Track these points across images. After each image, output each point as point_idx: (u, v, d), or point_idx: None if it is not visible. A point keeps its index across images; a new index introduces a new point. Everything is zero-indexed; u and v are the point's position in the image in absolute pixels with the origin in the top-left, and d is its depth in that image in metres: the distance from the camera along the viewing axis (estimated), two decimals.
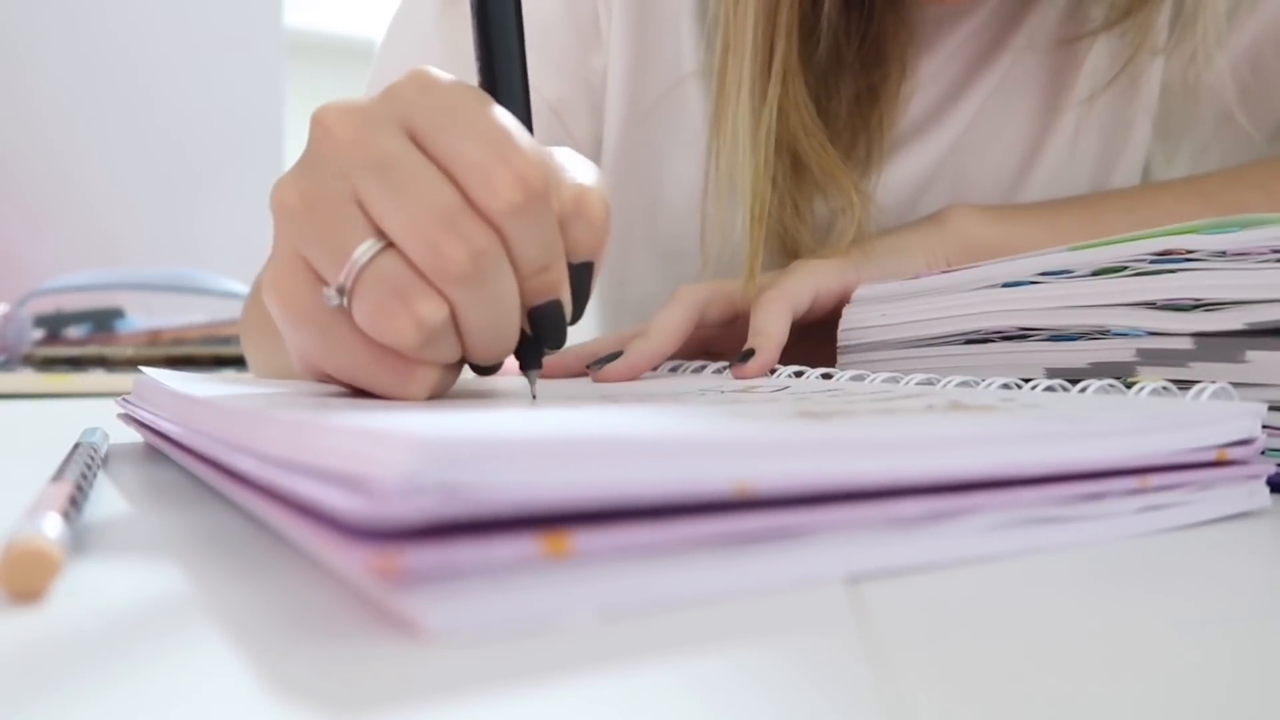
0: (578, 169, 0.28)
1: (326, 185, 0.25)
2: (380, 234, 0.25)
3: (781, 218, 0.51)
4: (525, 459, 0.15)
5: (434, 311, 0.25)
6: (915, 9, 0.52)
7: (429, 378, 0.27)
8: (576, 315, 0.28)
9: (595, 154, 0.58)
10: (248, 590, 0.17)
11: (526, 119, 0.29)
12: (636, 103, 0.55)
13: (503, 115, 0.25)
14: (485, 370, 0.29)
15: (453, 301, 0.25)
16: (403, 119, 0.25)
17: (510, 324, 0.27)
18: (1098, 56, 0.54)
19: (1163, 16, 0.52)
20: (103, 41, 1.44)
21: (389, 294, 0.25)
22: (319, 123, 0.26)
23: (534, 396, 0.29)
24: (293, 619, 0.16)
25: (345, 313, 0.26)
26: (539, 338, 0.28)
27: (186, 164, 1.53)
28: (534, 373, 0.30)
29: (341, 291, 0.25)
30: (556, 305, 0.27)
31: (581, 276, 0.28)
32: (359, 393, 0.29)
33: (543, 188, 0.25)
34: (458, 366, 0.29)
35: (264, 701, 0.12)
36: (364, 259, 0.25)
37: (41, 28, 1.40)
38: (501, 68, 0.29)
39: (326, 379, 0.29)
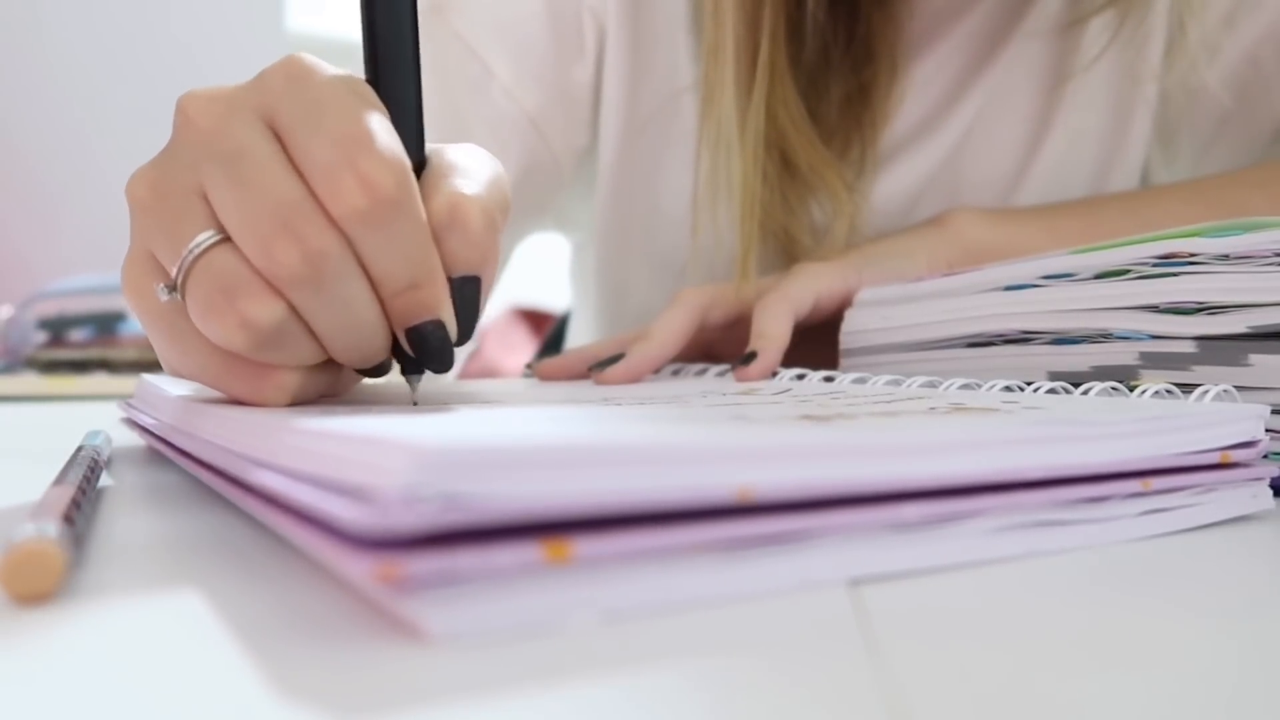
0: (466, 176, 0.26)
1: (176, 176, 0.24)
2: (221, 229, 0.24)
3: (777, 216, 0.51)
4: (526, 467, 0.15)
5: (263, 312, 0.23)
6: (903, 8, 0.52)
7: (287, 382, 0.25)
8: (465, 334, 0.26)
9: (576, 166, 0.58)
10: (251, 593, 0.17)
11: (414, 118, 0.26)
12: (633, 115, 0.55)
13: (368, 114, 0.24)
14: (367, 374, 0.27)
15: (294, 304, 0.24)
16: (265, 109, 0.24)
17: (367, 330, 0.25)
18: (1094, 42, 0.54)
19: (1161, 2, 0.52)
20: (107, 46, 1.44)
21: (217, 291, 0.23)
22: (181, 110, 0.25)
23: (415, 403, 0.27)
24: (297, 622, 0.16)
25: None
26: (420, 360, 0.26)
27: None
28: (414, 378, 0.27)
29: (174, 288, 0.24)
30: (436, 326, 0.25)
31: (468, 292, 0.26)
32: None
33: (395, 196, 0.23)
34: (332, 368, 0.27)
35: (269, 704, 0.12)
36: (196, 252, 0.23)
37: (44, 30, 1.40)
38: (386, 63, 0.26)
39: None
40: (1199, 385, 0.27)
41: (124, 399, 0.39)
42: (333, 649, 0.14)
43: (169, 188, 0.24)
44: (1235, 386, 0.27)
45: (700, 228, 0.53)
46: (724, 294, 0.47)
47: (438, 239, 0.25)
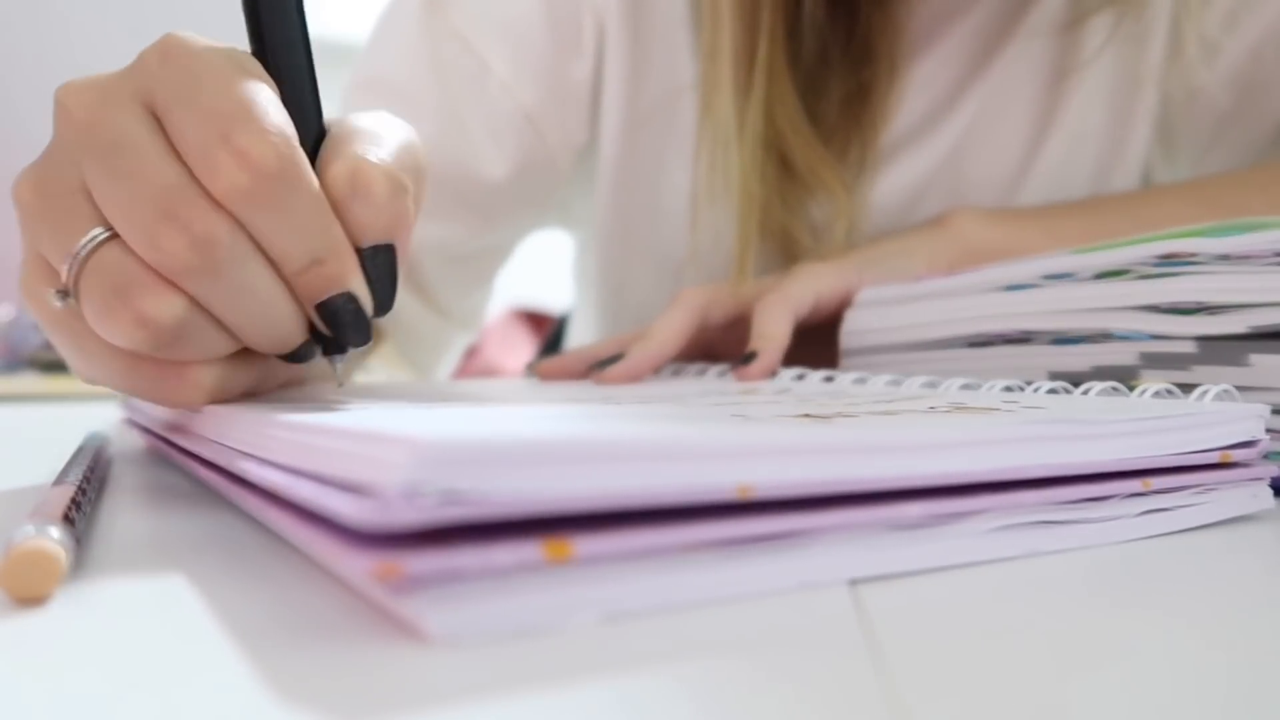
0: (370, 141, 0.24)
1: (58, 174, 0.23)
2: (109, 225, 0.22)
3: (776, 216, 0.51)
4: (526, 463, 0.15)
5: (160, 308, 0.22)
6: (903, 8, 0.52)
7: (202, 379, 0.24)
8: (383, 305, 0.25)
9: (574, 163, 0.58)
10: (251, 594, 0.17)
11: (306, 88, 0.25)
12: (633, 111, 0.55)
13: (246, 86, 0.22)
14: (290, 358, 0.26)
15: (193, 294, 0.22)
16: (143, 92, 0.23)
17: (275, 313, 0.24)
18: (1094, 41, 0.54)
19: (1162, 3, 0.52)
20: (106, 47, 1.44)
21: (109, 290, 0.22)
22: (59, 104, 0.23)
23: (340, 384, 0.26)
24: (296, 622, 0.16)
25: None
26: (335, 336, 0.24)
27: None
28: (338, 359, 0.26)
29: (66, 292, 0.23)
30: (347, 299, 0.24)
31: (381, 261, 0.24)
32: None
33: (277, 168, 0.22)
34: (253, 358, 0.26)
35: (268, 705, 0.12)
36: (84, 252, 0.22)
37: (44, 30, 1.40)
38: (271, 32, 0.25)
39: None
40: (1199, 385, 0.27)
41: (124, 399, 0.39)
42: (332, 649, 0.14)
43: (52, 187, 0.23)
44: (1235, 386, 0.27)
45: (699, 227, 0.53)
46: (724, 294, 0.47)
47: (340, 209, 0.24)
